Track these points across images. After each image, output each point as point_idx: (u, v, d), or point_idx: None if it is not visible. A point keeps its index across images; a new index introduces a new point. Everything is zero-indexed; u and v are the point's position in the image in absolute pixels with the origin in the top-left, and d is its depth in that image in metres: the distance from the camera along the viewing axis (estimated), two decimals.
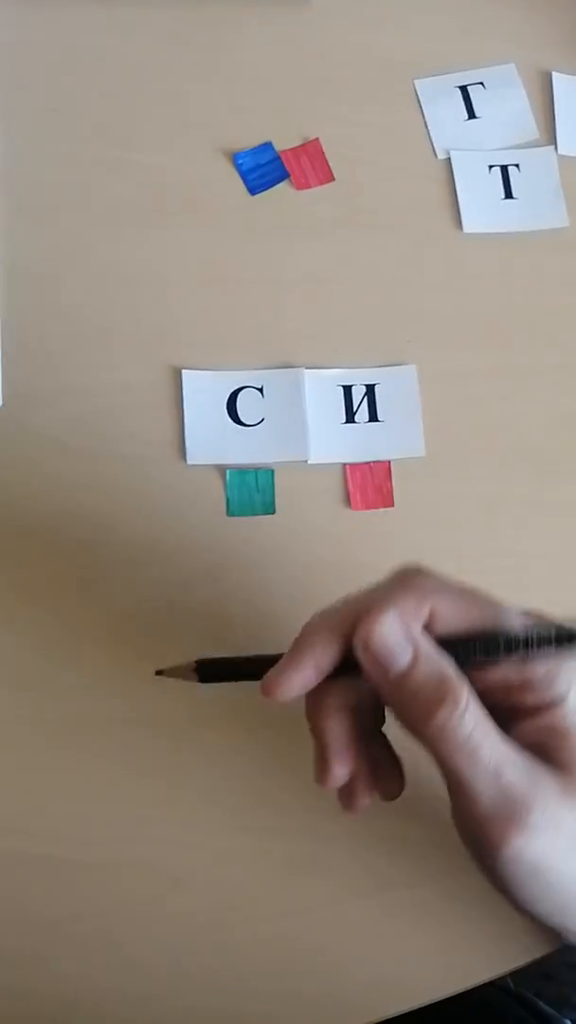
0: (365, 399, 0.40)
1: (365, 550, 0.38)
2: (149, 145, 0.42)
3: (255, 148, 0.43)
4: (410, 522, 0.39)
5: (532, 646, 0.25)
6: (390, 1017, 0.34)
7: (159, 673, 0.29)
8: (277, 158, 0.43)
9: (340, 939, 0.34)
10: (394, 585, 0.26)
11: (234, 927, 0.33)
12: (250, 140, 0.43)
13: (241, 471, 0.38)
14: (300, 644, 0.26)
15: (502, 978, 0.46)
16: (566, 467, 0.41)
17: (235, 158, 0.42)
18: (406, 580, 0.26)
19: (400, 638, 0.25)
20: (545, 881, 0.25)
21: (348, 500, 0.39)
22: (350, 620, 0.26)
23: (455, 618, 0.26)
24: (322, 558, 0.38)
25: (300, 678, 0.26)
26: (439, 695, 0.24)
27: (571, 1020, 0.49)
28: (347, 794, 0.28)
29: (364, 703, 0.27)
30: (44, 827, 0.34)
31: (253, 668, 0.27)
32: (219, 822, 0.34)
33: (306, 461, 0.39)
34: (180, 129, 0.43)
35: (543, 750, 0.25)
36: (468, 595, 0.26)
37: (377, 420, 0.40)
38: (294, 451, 0.39)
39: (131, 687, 0.35)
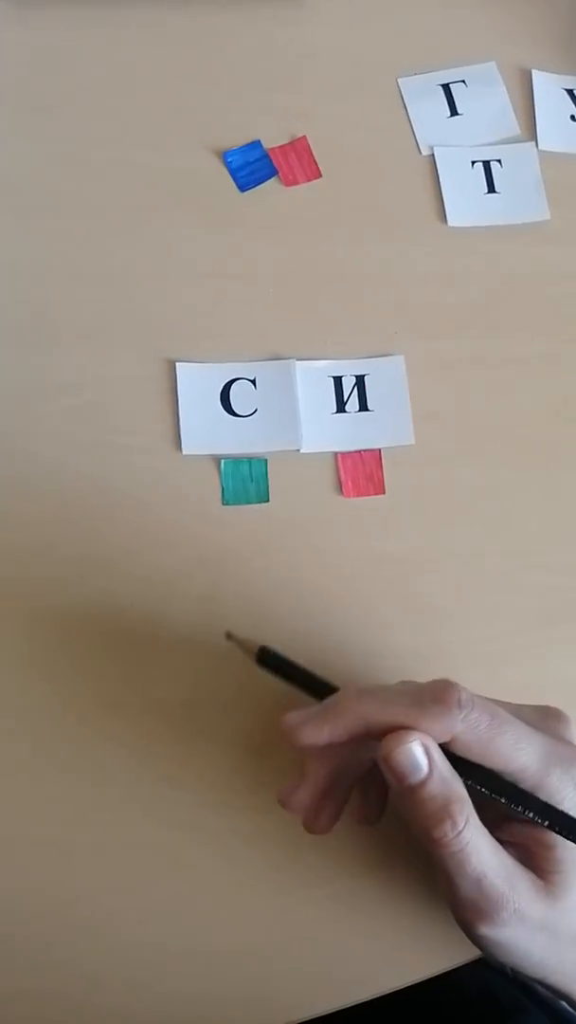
0: (355, 389, 0.41)
1: (357, 536, 0.39)
2: (140, 144, 0.43)
3: (244, 146, 0.44)
4: (401, 509, 0.40)
5: (535, 817, 0.28)
6: (391, 992, 0.35)
7: (229, 637, 0.32)
8: (266, 155, 0.44)
9: (337, 917, 0.35)
10: (426, 701, 0.28)
11: (234, 907, 0.34)
12: (239, 138, 0.44)
13: (235, 460, 0.39)
14: (335, 713, 0.29)
15: (498, 962, 0.47)
16: (551, 453, 0.42)
17: (224, 156, 0.43)
18: (438, 697, 0.28)
19: (418, 759, 0.28)
20: (514, 954, 0.29)
21: (340, 488, 0.40)
22: (383, 721, 0.28)
23: (473, 746, 0.28)
24: (315, 545, 0.39)
25: (320, 738, 0.29)
26: (441, 815, 0.27)
27: (567, 1003, 0.50)
28: (311, 819, 0.31)
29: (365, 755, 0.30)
30: (42, 810, 0.34)
31: (302, 679, 0.31)
32: (226, 802, 0.35)
33: (299, 450, 0.40)
34: (170, 128, 0.44)
35: (527, 852, 0.29)
36: (495, 728, 0.28)
37: (367, 410, 0.41)
38: (287, 441, 0.40)
39: (128, 673, 0.36)
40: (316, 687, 0.31)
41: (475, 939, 0.29)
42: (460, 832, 0.27)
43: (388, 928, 0.35)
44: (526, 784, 0.28)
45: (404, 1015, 0.40)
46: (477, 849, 0.27)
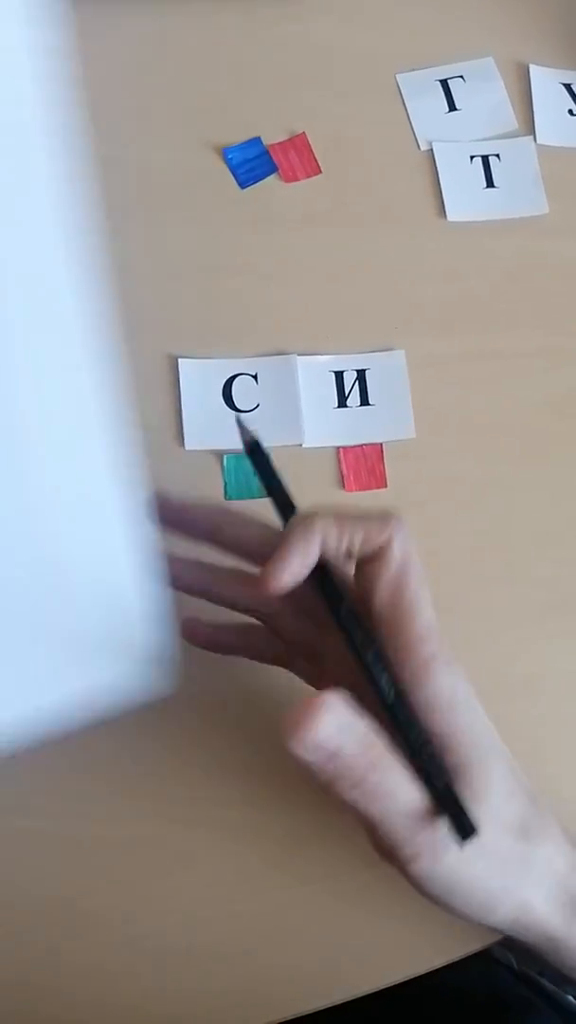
0: (356, 384, 0.41)
1: None
2: (140, 141, 0.43)
3: (244, 143, 0.44)
4: (402, 502, 0.40)
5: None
6: (396, 989, 0.35)
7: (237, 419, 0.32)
8: (265, 152, 0.44)
9: (337, 912, 0.35)
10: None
11: (242, 900, 0.34)
12: (239, 135, 0.44)
13: (238, 456, 0.39)
14: (295, 539, 0.28)
15: (505, 957, 0.47)
16: (552, 447, 0.42)
17: (225, 153, 0.44)
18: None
19: (332, 737, 0.26)
20: (452, 890, 0.28)
21: (342, 482, 0.40)
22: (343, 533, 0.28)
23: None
24: None
25: (293, 572, 0.27)
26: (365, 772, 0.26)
27: (573, 996, 0.50)
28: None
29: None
30: (52, 805, 0.35)
31: (277, 485, 0.31)
32: (226, 797, 0.35)
33: (301, 445, 0.40)
34: (170, 124, 0.44)
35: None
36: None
37: (368, 404, 0.41)
38: (289, 435, 0.40)
39: None
40: (282, 498, 0.31)
41: (410, 880, 0.28)
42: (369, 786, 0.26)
43: (389, 922, 0.35)
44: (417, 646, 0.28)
45: (410, 1013, 0.40)
46: (385, 792, 0.26)
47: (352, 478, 0.40)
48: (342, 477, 0.40)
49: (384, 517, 0.28)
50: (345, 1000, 0.34)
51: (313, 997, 0.34)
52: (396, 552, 0.28)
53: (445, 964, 0.35)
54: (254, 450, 0.31)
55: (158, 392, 0.40)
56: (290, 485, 0.39)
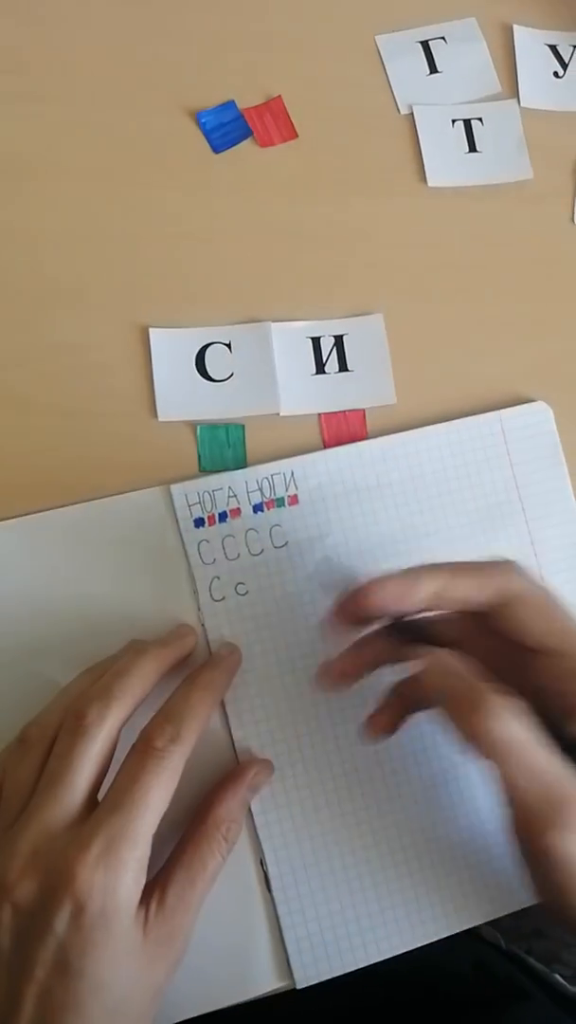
0: (334, 350, 0.40)
1: None
2: (111, 104, 0.42)
3: (218, 107, 0.43)
4: None
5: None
6: (384, 968, 0.34)
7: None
8: (240, 116, 0.43)
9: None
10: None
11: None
12: (213, 98, 0.43)
13: (212, 426, 0.39)
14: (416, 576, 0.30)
15: (493, 936, 0.46)
16: None
17: (198, 117, 0.42)
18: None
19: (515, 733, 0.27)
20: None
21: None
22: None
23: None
24: None
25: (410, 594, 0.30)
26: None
27: (560, 975, 0.49)
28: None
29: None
30: None
31: None
32: None
33: (278, 413, 0.39)
34: (142, 88, 0.43)
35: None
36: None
37: (347, 370, 0.40)
38: (265, 404, 0.39)
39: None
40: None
41: (541, 852, 0.27)
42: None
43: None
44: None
45: (398, 991, 0.40)
46: (526, 752, 0.27)
47: (333, 443, 0.39)
48: (324, 444, 0.39)
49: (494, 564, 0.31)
50: (333, 976, 0.34)
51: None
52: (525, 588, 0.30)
53: (438, 939, 0.34)
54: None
55: (129, 363, 0.39)
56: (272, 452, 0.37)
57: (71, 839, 0.28)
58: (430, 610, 0.30)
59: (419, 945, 0.34)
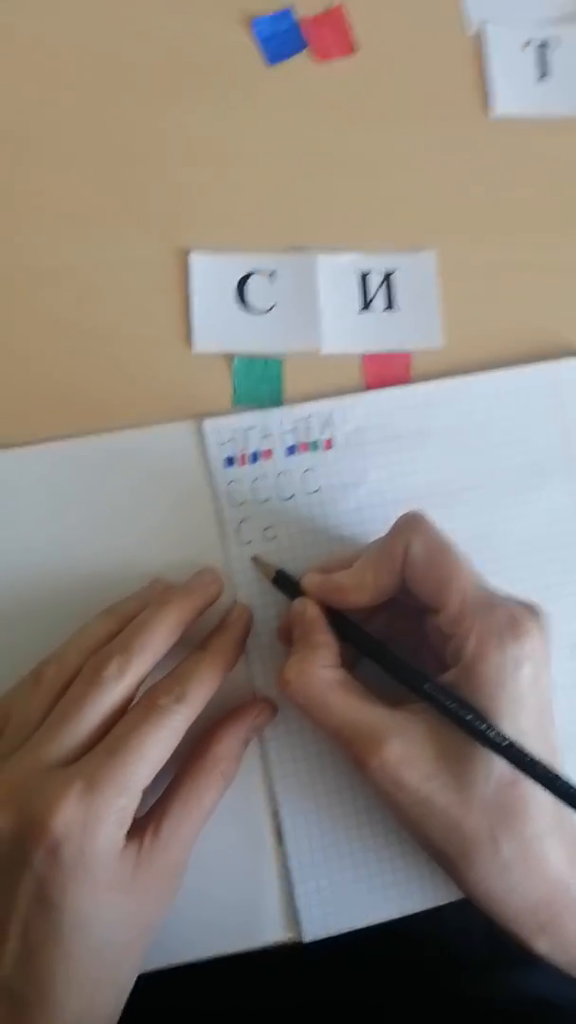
0: (382, 287, 0.38)
1: None
2: (159, 7, 0.39)
3: (274, 14, 0.40)
4: None
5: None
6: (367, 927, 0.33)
7: (254, 558, 0.34)
8: (296, 25, 0.40)
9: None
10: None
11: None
12: (269, 5, 0.40)
13: (249, 359, 0.36)
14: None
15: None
16: None
17: (253, 24, 0.39)
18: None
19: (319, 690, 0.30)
20: (405, 777, 0.28)
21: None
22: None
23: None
24: None
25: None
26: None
27: None
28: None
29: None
30: None
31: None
32: None
33: (319, 351, 0.37)
34: None
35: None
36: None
37: (394, 309, 0.38)
38: (306, 340, 0.37)
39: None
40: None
41: (371, 785, 0.29)
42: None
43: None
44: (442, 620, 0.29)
45: (406, 949, 0.39)
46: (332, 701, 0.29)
47: (375, 386, 0.37)
48: (365, 385, 0.37)
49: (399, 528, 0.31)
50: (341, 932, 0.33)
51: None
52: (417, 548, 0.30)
53: (450, 901, 0.34)
54: (280, 579, 0.33)
55: (167, 288, 0.37)
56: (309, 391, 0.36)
57: (57, 776, 0.27)
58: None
59: (430, 906, 0.34)
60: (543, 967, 0.29)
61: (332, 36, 0.40)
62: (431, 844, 0.29)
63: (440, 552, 0.30)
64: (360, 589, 0.30)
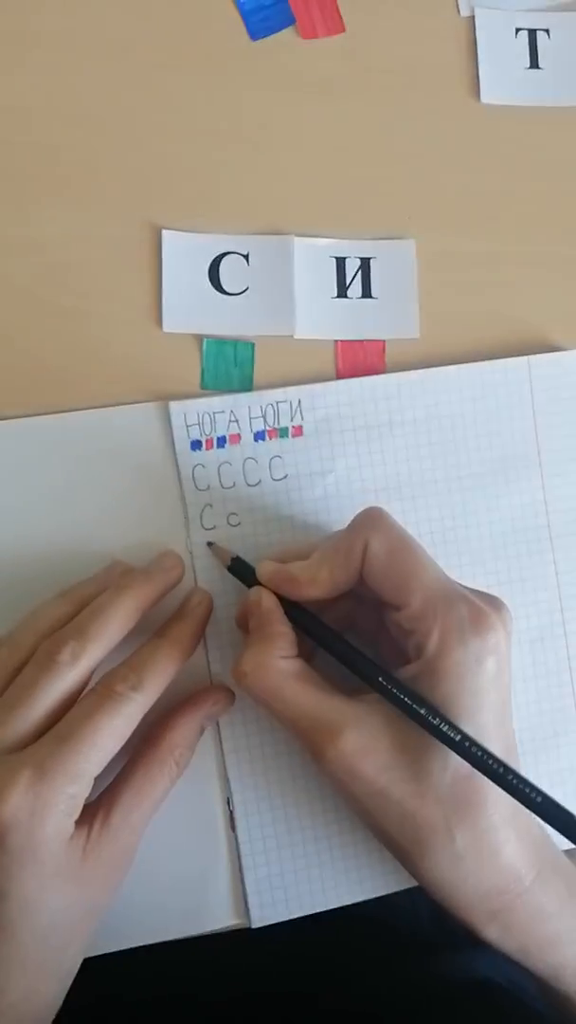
0: (359, 273, 0.37)
1: None
2: None
3: None
4: None
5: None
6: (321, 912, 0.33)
7: (210, 544, 0.34)
8: (284, 0, 0.39)
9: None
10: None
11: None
12: None
13: (219, 341, 0.36)
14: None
15: None
16: None
17: None
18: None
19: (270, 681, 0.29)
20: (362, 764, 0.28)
21: (336, 378, 0.36)
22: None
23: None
24: None
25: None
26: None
27: None
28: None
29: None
30: None
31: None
32: None
33: (292, 336, 0.36)
34: None
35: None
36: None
37: (371, 297, 0.37)
38: (279, 325, 0.36)
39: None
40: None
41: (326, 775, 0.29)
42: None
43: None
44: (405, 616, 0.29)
45: (333, 937, 0.39)
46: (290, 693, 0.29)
47: (348, 375, 0.36)
48: (337, 373, 0.36)
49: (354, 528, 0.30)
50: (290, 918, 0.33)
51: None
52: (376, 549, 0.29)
53: (399, 889, 0.34)
54: (236, 567, 0.33)
55: (137, 265, 0.36)
56: (277, 381, 0.35)
57: (6, 762, 0.27)
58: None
59: (379, 895, 0.34)
60: (490, 951, 0.29)
61: (320, 13, 0.39)
62: (385, 834, 0.29)
63: (400, 551, 0.29)
64: (314, 583, 0.30)
